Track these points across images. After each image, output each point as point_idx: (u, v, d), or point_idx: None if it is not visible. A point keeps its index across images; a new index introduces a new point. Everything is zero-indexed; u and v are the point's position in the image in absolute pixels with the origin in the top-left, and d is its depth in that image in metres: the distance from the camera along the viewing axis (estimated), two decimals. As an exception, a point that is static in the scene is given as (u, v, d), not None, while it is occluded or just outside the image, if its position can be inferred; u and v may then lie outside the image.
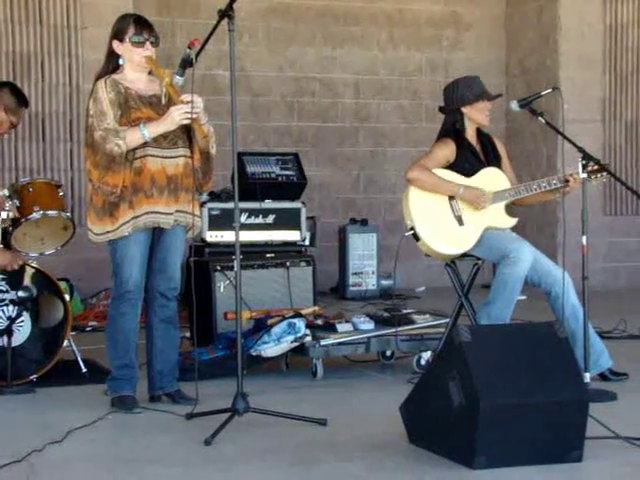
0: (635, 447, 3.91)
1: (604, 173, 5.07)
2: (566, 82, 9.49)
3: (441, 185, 5.28)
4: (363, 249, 9.16)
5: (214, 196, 6.55)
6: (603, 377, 5.19)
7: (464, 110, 5.37)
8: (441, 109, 5.52)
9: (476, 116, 5.38)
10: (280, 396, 4.98)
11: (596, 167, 4.98)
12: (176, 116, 4.49)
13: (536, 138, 9.44)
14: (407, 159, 9.27)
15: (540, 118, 5.10)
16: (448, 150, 5.36)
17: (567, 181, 5.22)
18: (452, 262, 5.42)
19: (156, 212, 4.60)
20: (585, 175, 4.90)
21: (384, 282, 9.18)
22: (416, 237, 5.29)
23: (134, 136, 4.52)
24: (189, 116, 4.48)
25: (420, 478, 3.63)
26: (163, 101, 4.62)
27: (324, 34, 9.82)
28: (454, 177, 5.33)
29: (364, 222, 9.25)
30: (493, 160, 5.45)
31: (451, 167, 5.35)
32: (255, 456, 3.91)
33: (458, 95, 5.37)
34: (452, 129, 5.40)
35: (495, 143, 5.53)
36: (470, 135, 5.43)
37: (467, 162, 5.35)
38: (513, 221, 5.37)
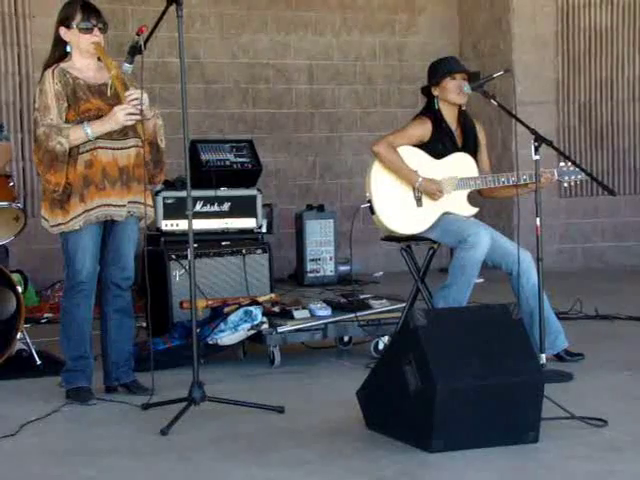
0: (590, 427, 3.95)
1: (579, 177, 5.16)
2: (520, 64, 9.54)
3: (401, 170, 5.27)
4: (320, 235, 9.14)
5: (169, 185, 6.51)
6: (559, 358, 5.23)
7: (434, 92, 5.37)
8: (422, 90, 5.51)
9: (447, 95, 5.34)
10: (237, 384, 4.97)
11: (574, 179, 5.10)
12: (120, 117, 4.46)
13: (491, 120, 9.46)
14: (363, 144, 9.28)
15: (492, 100, 5.11)
16: (423, 129, 5.33)
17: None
18: (408, 246, 5.43)
19: (109, 205, 4.57)
20: (556, 176, 5.01)
21: (342, 268, 9.18)
22: (372, 211, 5.31)
23: (77, 135, 4.48)
24: (134, 117, 4.46)
25: (377, 463, 3.64)
26: (108, 93, 4.57)
27: (277, 20, 9.78)
28: (422, 158, 5.31)
29: (321, 208, 9.23)
30: (469, 146, 5.42)
31: (424, 146, 5.33)
32: (212, 445, 3.91)
33: (430, 76, 5.39)
34: (430, 110, 5.38)
35: (476, 129, 5.50)
36: (449, 117, 5.39)
37: (441, 144, 5.34)
38: (473, 210, 5.38)
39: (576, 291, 7.51)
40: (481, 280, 7.13)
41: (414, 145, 5.33)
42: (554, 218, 9.46)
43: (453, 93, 5.32)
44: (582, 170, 5.32)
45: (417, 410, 3.72)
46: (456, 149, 5.38)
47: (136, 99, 4.47)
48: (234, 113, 9.64)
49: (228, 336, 5.35)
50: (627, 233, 9.88)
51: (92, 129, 4.47)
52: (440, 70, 5.35)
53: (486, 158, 5.51)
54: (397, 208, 5.29)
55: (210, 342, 5.33)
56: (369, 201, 5.30)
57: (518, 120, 5.16)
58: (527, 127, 4.99)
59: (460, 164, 5.36)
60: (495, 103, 5.13)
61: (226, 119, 9.60)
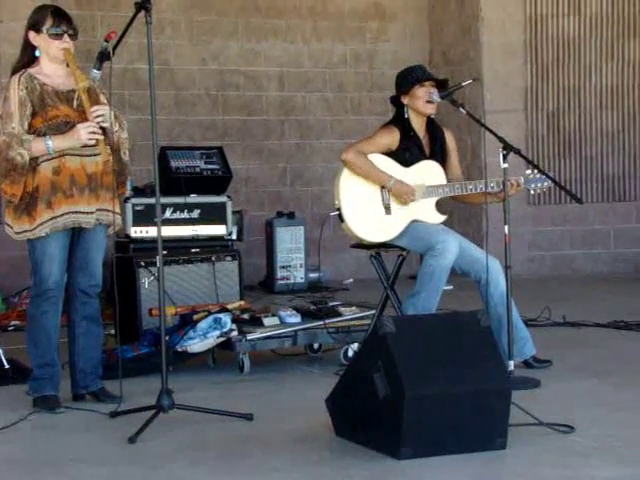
0: (557, 433, 3.97)
1: (545, 184, 5.19)
2: (489, 72, 9.60)
3: (373, 173, 5.29)
4: (290, 242, 9.15)
5: (138, 191, 6.49)
6: (527, 364, 5.26)
7: (403, 101, 5.39)
8: (391, 100, 5.52)
9: (415, 104, 5.36)
10: (207, 392, 4.96)
11: (539, 186, 5.12)
12: (82, 135, 4.45)
13: (460, 129, 9.50)
14: (333, 152, 9.29)
15: (461, 109, 5.14)
16: (390, 138, 5.35)
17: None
18: (377, 253, 5.44)
19: (77, 212, 4.54)
20: (523, 184, 5.04)
21: (312, 275, 9.19)
22: (341, 218, 5.32)
23: (38, 147, 4.46)
24: (96, 136, 4.44)
25: (346, 470, 3.64)
26: (74, 104, 4.55)
27: (247, 27, 9.78)
28: (391, 165, 5.33)
29: (291, 215, 9.25)
30: (438, 153, 5.44)
31: (392, 154, 5.35)
32: (180, 453, 3.89)
33: (399, 85, 5.41)
34: (399, 119, 5.40)
35: (445, 137, 5.53)
36: (417, 126, 5.41)
37: (408, 152, 5.36)
38: (441, 217, 5.39)
39: (545, 298, 7.56)
40: (450, 287, 7.15)
41: (382, 153, 5.35)
42: (523, 226, 9.52)
43: (421, 101, 5.34)
44: (550, 178, 5.35)
45: (386, 417, 3.73)
46: (424, 157, 5.40)
47: (101, 115, 4.46)
48: (204, 120, 9.64)
49: (197, 343, 5.33)
50: (595, 241, 9.95)
51: (54, 143, 4.46)
52: (409, 78, 5.37)
53: (457, 164, 5.53)
54: (366, 216, 5.31)
55: (179, 349, 5.31)
56: (338, 209, 5.32)
57: (487, 128, 5.19)
58: (495, 135, 5.01)
59: (428, 172, 5.38)
60: (464, 111, 5.16)
61: (196, 126, 9.59)
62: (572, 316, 6.82)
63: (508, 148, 4.93)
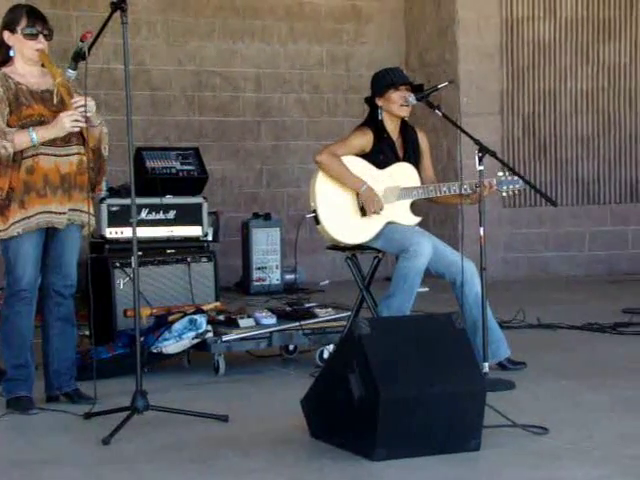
0: (532, 435, 3.99)
1: (517, 186, 5.20)
2: (465, 75, 9.64)
3: (346, 177, 5.30)
4: (266, 244, 9.15)
5: (114, 192, 6.47)
6: (502, 366, 5.27)
7: (378, 103, 5.40)
8: (366, 100, 5.53)
9: (390, 107, 5.38)
10: (182, 393, 4.95)
11: (512, 188, 5.13)
12: (66, 123, 4.43)
13: (437, 131, 9.55)
14: (309, 153, 9.29)
15: (437, 111, 5.16)
16: (364, 140, 5.37)
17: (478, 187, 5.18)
18: (353, 255, 5.45)
19: (49, 212, 4.52)
20: (496, 186, 5.07)
21: (288, 276, 9.19)
22: (317, 221, 5.33)
23: (22, 139, 4.43)
24: (80, 124, 4.42)
25: (320, 471, 3.64)
26: (55, 100, 4.54)
27: (224, 28, 9.77)
28: (365, 167, 5.34)
29: (267, 216, 9.25)
30: (411, 155, 5.46)
31: (366, 156, 5.37)
32: (155, 454, 3.88)
33: (374, 87, 5.42)
34: (372, 121, 5.41)
35: (418, 138, 5.54)
36: (391, 128, 5.43)
37: (382, 154, 5.37)
38: (416, 219, 5.41)
39: (519, 300, 7.60)
40: (425, 289, 7.19)
41: (356, 155, 5.36)
42: (498, 228, 9.57)
43: (396, 104, 5.36)
44: (525, 181, 5.37)
45: (360, 419, 3.73)
46: (397, 159, 5.41)
47: (82, 106, 4.43)
48: (180, 121, 9.62)
49: (172, 344, 5.32)
50: (570, 243, 10.02)
51: (37, 134, 4.43)
52: (384, 81, 5.39)
53: (430, 165, 5.55)
54: (342, 218, 5.32)
55: (154, 350, 5.30)
56: (314, 211, 5.33)
57: (462, 131, 5.21)
58: (471, 138, 5.04)
59: (402, 174, 5.40)
60: (440, 114, 5.17)
61: (172, 127, 9.57)
62: (547, 318, 6.85)
63: (484, 150, 4.95)
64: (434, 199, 5.43)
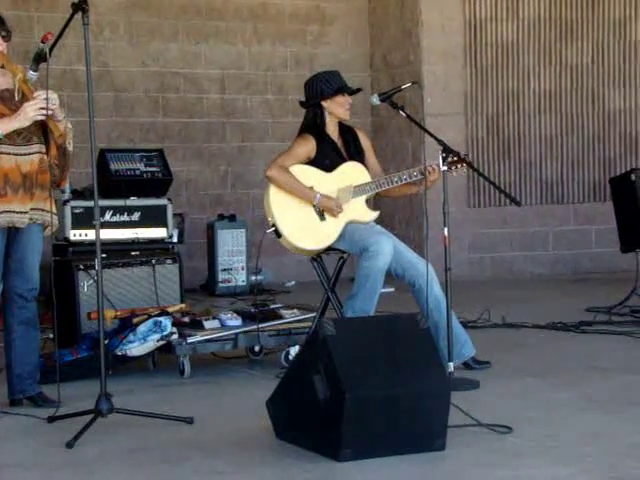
0: (496, 434, 4.01)
1: (463, 164, 5.16)
2: (429, 76, 9.68)
3: (298, 189, 5.31)
4: (232, 245, 9.14)
5: (77, 194, 6.44)
6: (467, 366, 5.30)
7: (324, 104, 5.41)
8: (302, 104, 5.54)
9: (336, 110, 5.42)
10: (147, 395, 4.94)
11: (455, 158, 5.06)
12: (30, 112, 4.38)
13: (401, 132, 9.59)
14: (274, 154, 9.23)
15: (401, 112, 5.17)
16: (308, 147, 5.38)
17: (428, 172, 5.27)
18: (318, 256, 5.46)
19: (10, 211, 4.49)
20: (445, 167, 5.00)
21: (253, 277, 9.18)
22: (278, 234, 5.31)
23: None
24: (44, 112, 4.38)
25: (286, 472, 3.65)
26: (17, 97, 4.51)
27: (187, 28, 9.75)
28: (314, 173, 5.35)
29: (232, 218, 9.23)
30: (355, 154, 5.48)
31: (312, 162, 5.38)
32: (119, 457, 3.87)
33: (317, 89, 5.41)
34: (313, 124, 5.42)
35: (358, 136, 5.57)
36: (331, 130, 5.46)
37: (327, 158, 5.39)
38: (374, 214, 5.43)
39: (485, 300, 7.64)
40: (390, 290, 7.21)
41: (304, 163, 5.37)
42: (463, 228, 9.61)
43: (343, 108, 5.41)
44: (489, 181, 5.40)
45: (326, 419, 3.74)
46: (342, 160, 5.43)
47: (45, 99, 4.39)
48: (144, 122, 9.59)
49: (137, 347, 5.30)
50: (534, 242, 10.08)
51: (1, 127, 4.39)
52: (333, 85, 5.39)
53: (375, 161, 5.57)
54: (302, 226, 5.31)
55: (119, 353, 5.28)
56: (273, 225, 5.31)
57: (426, 131, 5.24)
58: (435, 138, 5.06)
59: (352, 173, 5.41)
60: (404, 114, 5.19)
61: (136, 128, 9.54)
62: (511, 318, 6.90)
63: (448, 151, 4.97)
64: (383, 193, 5.44)
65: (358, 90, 5.53)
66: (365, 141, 5.58)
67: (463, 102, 9.88)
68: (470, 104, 9.91)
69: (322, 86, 5.41)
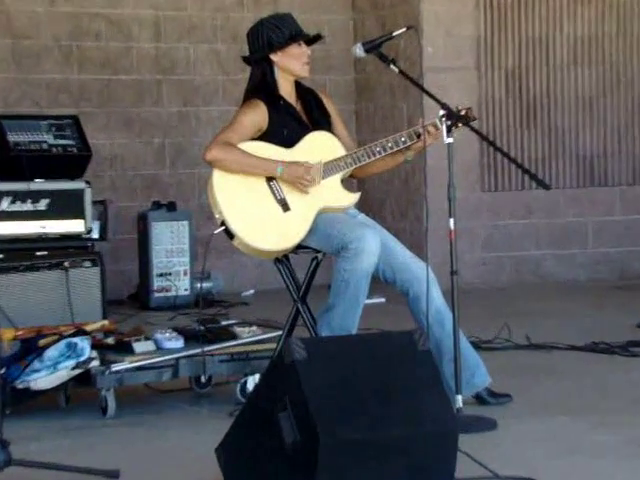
0: (518, 488, 4.05)
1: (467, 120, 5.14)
2: (430, 19, 9.70)
3: (252, 164, 5.28)
4: (171, 242, 9.16)
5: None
6: (480, 399, 5.33)
7: (274, 58, 5.39)
8: (245, 59, 5.51)
9: (290, 65, 5.40)
10: (57, 442, 4.95)
11: (460, 125, 5.06)
12: None
13: (394, 93, 9.63)
14: (227, 122, 9.31)
15: (392, 66, 5.19)
16: (257, 115, 5.36)
17: (419, 135, 5.24)
18: (284, 256, 5.46)
19: None
20: (447, 135, 4.97)
21: (199, 285, 9.19)
22: (229, 234, 5.30)
23: None
24: None
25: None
26: None
27: (110, -43, 9.77)
28: (270, 151, 5.33)
29: (172, 206, 9.25)
30: (320, 121, 5.48)
31: (265, 136, 5.36)
32: (21, 523, 3.88)
33: (264, 39, 5.37)
34: (261, 85, 5.40)
35: (322, 100, 5.58)
36: (287, 92, 5.45)
37: (285, 127, 5.38)
38: (354, 197, 5.44)
39: (503, 313, 7.68)
40: (381, 300, 7.24)
41: (254, 139, 5.34)
42: (475, 219, 9.64)
43: (299, 62, 5.40)
44: (509, 158, 5.44)
45: (294, 470, 3.76)
46: (305, 129, 5.43)
47: None
48: (53, 79, 9.58)
49: (45, 377, 5.30)
50: (568, 238, 10.11)
51: None
52: (284, 32, 5.37)
53: (344, 131, 5.57)
54: (260, 222, 5.27)
55: (20, 386, 5.28)
56: (222, 223, 5.29)
57: (426, 92, 5.26)
58: (437, 101, 5.08)
59: (320, 146, 5.40)
60: (396, 70, 5.21)
61: (42, 87, 9.53)
62: (538, 336, 6.94)
63: (454, 117, 4.99)
64: (360, 172, 5.44)
65: (318, 37, 5.50)
66: (331, 107, 5.58)
67: (475, 52, 9.92)
68: (484, 55, 9.95)
69: (270, 34, 5.37)
